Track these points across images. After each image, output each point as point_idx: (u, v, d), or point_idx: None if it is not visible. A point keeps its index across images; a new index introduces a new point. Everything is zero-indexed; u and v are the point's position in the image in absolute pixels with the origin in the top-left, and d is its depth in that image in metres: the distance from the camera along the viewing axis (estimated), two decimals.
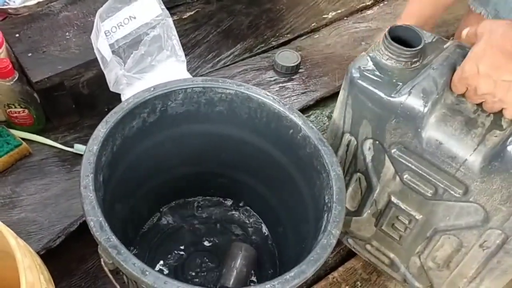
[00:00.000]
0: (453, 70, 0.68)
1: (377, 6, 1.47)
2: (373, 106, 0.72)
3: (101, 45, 0.93)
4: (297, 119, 0.77)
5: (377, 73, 0.72)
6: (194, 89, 0.78)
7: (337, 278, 0.95)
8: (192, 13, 1.35)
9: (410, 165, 0.74)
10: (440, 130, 0.69)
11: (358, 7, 1.45)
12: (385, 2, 1.48)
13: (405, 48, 0.71)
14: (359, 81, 0.72)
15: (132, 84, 0.95)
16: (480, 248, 0.75)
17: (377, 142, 0.76)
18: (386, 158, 0.76)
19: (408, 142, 0.72)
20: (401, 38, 0.73)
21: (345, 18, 1.42)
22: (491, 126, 0.67)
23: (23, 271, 0.56)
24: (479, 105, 0.67)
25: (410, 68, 0.72)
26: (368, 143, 0.77)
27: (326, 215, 0.69)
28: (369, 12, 1.45)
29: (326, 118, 1.20)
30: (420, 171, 0.73)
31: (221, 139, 0.86)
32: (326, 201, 0.71)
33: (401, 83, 0.70)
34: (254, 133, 0.83)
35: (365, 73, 0.72)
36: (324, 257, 0.63)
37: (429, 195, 0.74)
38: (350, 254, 0.99)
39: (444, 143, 0.68)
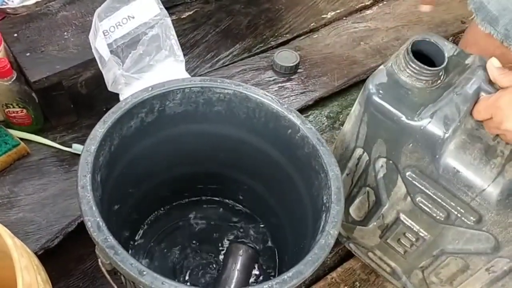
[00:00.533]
0: (477, 95, 0.66)
1: (376, 6, 1.47)
2: (390, 127, 0.70)
3: (99, 45, 0.93)
4: (295, 119, 0.76)
5: (396, 91, 0.69)
6: (192, 89, 0.78)
7: (335, 279, 0.95)
8: (190, 13, 1.35)
9: (423, 188, 0.72)
10: (459, 158, 0.66)
11: (357, 7, 1.45)
12: (384, 2, 1.48)
13: (427, 68, 0.67)
14: (377, 99, 0.69)
15: (130, 84, 0.95)
16: (486, 271, 0.74)
17: (391, 162, 0.73)
18: (399, 178, 0.74)
19: (424, 166, 0.70)
20: (423, 52, 0.70)
21: (344, 18, 1.41)
22: (511, 155, 0.65)
23: (20, 271, 0.56)
24: None
25: (431, 87, 0.69)
26: (381, 161, 0.75)
27: (324, 215, 0.69)
28: (368, 12, 1.45)
29: (325, 118, 1.20)
30: (434, 196, 0.71)
31: (219, 139, 0.86)
32: (324, 201, 0.71)
33: (421, 105, 0.68)
34: (253, 133, 0.83)
35: (384, 90, 0.69)
36: (323, 257, 0.63)
37: (441, 219, 0.73)
38: (348, 255, 0.99)
39: (461, 172, 0.66)
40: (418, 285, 0.86)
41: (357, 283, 0.95)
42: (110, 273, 0.68)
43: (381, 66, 0.72)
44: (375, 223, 0.84)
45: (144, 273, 0.57)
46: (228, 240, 0.94)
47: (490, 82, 0.66)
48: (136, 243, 0.92)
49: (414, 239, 0.79)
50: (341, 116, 1.20)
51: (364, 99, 0.72)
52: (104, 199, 0.71)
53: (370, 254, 0.91)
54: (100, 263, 0.66)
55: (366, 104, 0.71)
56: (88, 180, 0.64)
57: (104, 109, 1.06)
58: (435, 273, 0.81)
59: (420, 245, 0.79)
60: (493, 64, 0.66)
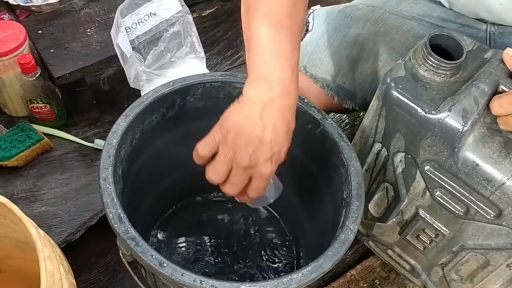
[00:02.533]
0: (496, 88, 0.65)
1: None
2: (409, 121, 0.69)
3: (121, 41, 0.94)
4: (315, 114, 0.76)
5: (415, 85, 0.68)
6: (212, 84, 0.78)
7: (355, 276, 0.94)
8: (211, 10, 1.36)
9: (442, 183, 0.71)
10: (478, 151, 0.65)
11: None
12: None
13: (445, 61, 0.66)
14: (396, 93, 0.69)
15: (152, 80, 0.95)
16: (507, 267, 0.73)
17: (409, 156, 0.73)
18: (418, 173, 0.73)
19: (443, 160, 0.69)
20: (441, 47, 0.69)
21: None
22: None
23: (43, 260, 0.57)
24: None
25: (449, 81, 0.68)
26: (400, 156, 0.74)
27: (344, 210, 0.69)
28: None
29: (345, 116, 1.19)
30: (453, 190, 0.70)
31: None
32: (345, 196, 0.70)
33: (439, 99, 0.67)
34: None
35: (402, 84, 0.68)
36: (342, 252, 0.62)
37: (460, 214, 0.72)
38: (368, 253, 0.98)
39: (480, 165, 0.65)
40: (439, 282, 0.85)
41: (377, 280, 0.94)
42: (131, 265, 0.69)
43: (399, 61, 0.71)
44: (394, 220, 0.83)
45: (165, 264, 0.57)
46: (246, 234, 0.94)
47: (510, 76, 0.65)
48: (157, 236, 0.92)
49: (433, 235, 0.78)
50: (362, 113, 1.19)
51: (382, 93, 0.71)
52: (125, 192, 0.72)
53: (389, 251, 0.90)
54: (121, 255, 0.67)
55: (384, 98, 0.71)
56: (110, 173, 0.65)
57: (126, 105, 1.05)
58: (455, 270, 0.80)
59: (439, 241, 0.78)
60: (508, 54, 0.65)
